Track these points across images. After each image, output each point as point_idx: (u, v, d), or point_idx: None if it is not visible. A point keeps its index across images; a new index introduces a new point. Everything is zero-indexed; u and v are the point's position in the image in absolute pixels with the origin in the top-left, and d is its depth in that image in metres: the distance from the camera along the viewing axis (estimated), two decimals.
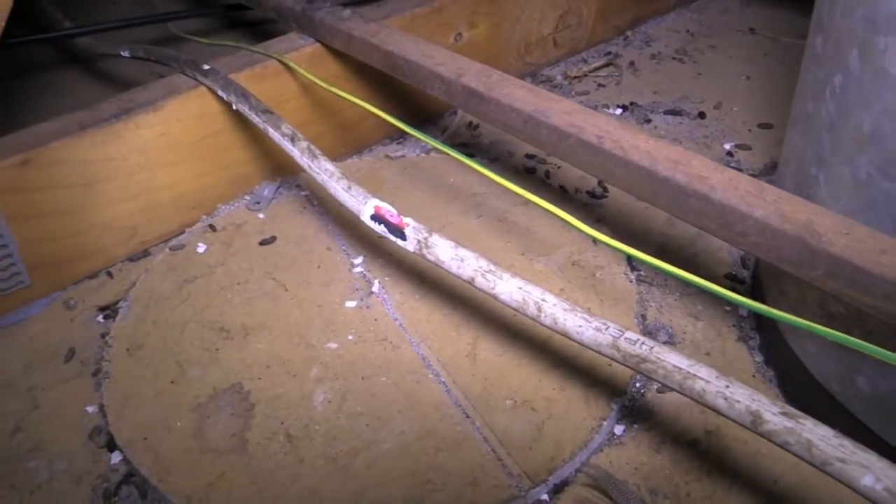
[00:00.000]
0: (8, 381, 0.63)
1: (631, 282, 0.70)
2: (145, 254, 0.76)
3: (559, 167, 0.86)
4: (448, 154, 0.59)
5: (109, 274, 0.74)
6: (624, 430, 0.58)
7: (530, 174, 0.86)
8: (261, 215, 0.79)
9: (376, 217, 0.56)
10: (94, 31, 0.98)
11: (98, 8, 1.23)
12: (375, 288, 0.69)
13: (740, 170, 0.83)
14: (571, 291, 0.68)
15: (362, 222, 0.57)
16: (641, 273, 0.71)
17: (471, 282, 0.52)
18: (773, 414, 0.39)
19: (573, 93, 1.02)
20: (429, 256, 0.54)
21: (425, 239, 0.54)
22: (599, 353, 0.46)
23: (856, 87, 0.47)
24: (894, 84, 0.44)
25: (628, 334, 0.45)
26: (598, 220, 0.78)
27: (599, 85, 1.04)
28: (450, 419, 0.57)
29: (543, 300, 0.48)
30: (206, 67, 0.75)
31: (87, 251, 0.72)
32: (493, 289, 0.50)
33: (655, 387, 0.60)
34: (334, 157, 0.63)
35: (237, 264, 0.73)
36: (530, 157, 0.88)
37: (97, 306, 0.70)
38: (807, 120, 0.54)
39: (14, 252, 0.67)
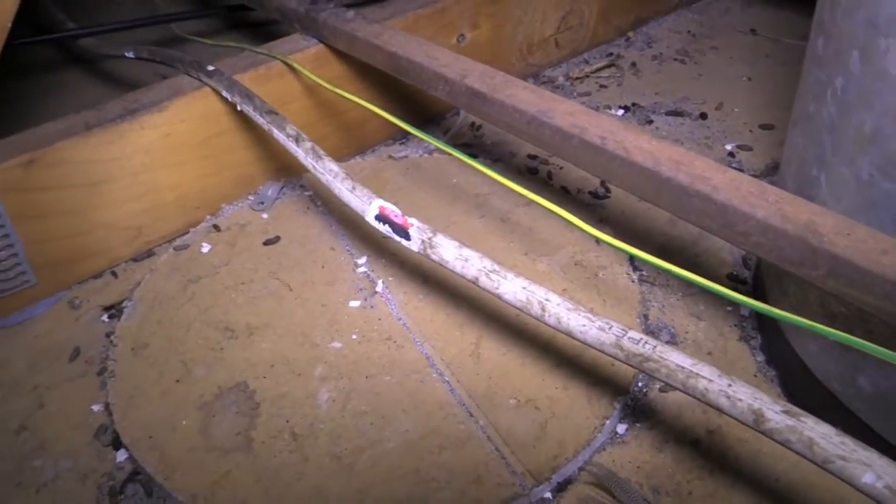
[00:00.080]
0: (13, 380, 0.64)
1: (633, 282, 0.70)
2: (150, 254, 0.76)
3: (561, 168, 0.86)
4: (451, 154, 0.60)
5: (114, 274, 0.74)
6: (626, 429, 0.58)
7: (533, 175, 0.86)
8: (265, 215, 0.79)
9: (381, 217, 0.56)
10: (98, 32, 0.98)
11: (101, 9, 1.24)
12: (379, 287, 0.70)
13: (742, 170, 0.84)
14: (574, 291, 0.69)
15: (365, 222, 0.58)
16: (644, 273, 0.72)
17: (475, 282, 0.52)
18: (775, 412, 0.40)
19: (575, 94, 1.02)
20: (433, 256, 0.54)
21: (429, 239, 0.54)
22: (603, 352, 0.46)
23: (857, 89, 0.48)
24: (895, 85, 0.45)
25: (631, 333, 0.45)
26: (601, 221, 0.79)
27: (601, 86, 1.04)
28: (454, 418, 0.58)
29: (547, 300, 0.48)
30: (211, 68, 0.75)
31: (91, 251, 0.73)
32: (497, 289, 0.50)
33: (658, 386, 0.61)
34: (338, 158, 0.63)
35: (241, 264, 0.73)
36: (532, 157, 0.88)
37: (102, 306, 0.71)
38: (808, 121, 0.55)
39: (19, 252, 0.67)
